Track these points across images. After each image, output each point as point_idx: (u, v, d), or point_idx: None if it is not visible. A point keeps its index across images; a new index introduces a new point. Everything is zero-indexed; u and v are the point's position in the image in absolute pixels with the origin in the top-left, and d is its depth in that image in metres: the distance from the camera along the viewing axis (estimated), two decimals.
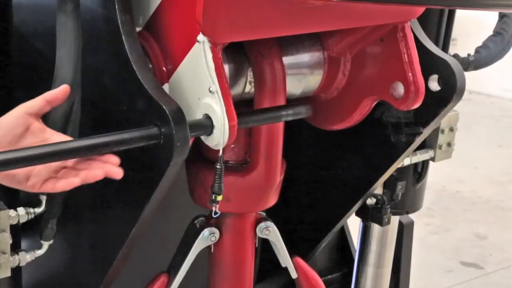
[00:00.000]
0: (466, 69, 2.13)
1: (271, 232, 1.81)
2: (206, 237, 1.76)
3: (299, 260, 1.91)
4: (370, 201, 2.16)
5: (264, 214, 1.83)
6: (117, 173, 1.37)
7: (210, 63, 1.42)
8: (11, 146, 1.36)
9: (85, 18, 1.50)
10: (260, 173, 1.68)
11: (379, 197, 2.16)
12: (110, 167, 1.36)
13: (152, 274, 1.81)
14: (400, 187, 2.21)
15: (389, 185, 2.20)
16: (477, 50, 2.24)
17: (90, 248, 1.79)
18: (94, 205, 1.68)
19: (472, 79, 2.43)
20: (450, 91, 1.71)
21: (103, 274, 1.67)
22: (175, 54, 1.49)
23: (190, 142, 1.40)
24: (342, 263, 2.59)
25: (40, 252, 1.72)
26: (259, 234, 1.81)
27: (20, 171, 1.36)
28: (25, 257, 1.71)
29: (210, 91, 1.42)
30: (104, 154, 1.38)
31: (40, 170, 1.37)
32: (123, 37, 1.45)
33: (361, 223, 2.35)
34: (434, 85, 1.72)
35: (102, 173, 1.35)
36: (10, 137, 1.36)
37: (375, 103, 1.75)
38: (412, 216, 2.47)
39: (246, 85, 1.64)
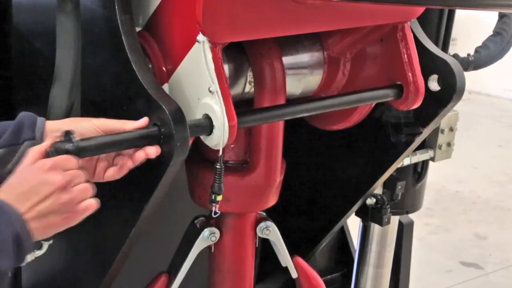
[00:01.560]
0: (466, 69, 2.13)
1: (271, 232, 1.81)
2: (206, 237, 1.76)
3: (299, 260, 1.91)
4: (370, 201, 2.16)
5: (264, 214, 1.83)
6: (153, 152, 1.40)
7: (210, 63, 1.42)
8: None
9: (85, 18, 1.50)
10: (260, 173, 1.68)
11: (379, 197, 2.16)
12: (148, 148, 1.40)
13: (152, 274, 1.81)
14: (400, 187, 2.21)
15: (389, 185, 2.20)
16: (477, 50, 2.25)
17: (90, 248, 1.79)
18: None
19: (472, 79, 2.43)
20: (450, 91, 1.71)
21: (103, 274, 1.67)
22: (175, 54, 1.49)
23: (190, 142, 1.40)
24: (342, 263, 2.59)
25: (40, 252, 1.72)
26: (259, 234, 1.81)
27: (91, 166, 1.41)
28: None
29: (210, 91, 1.42)
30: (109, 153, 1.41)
31: (99, 163, 1.42)
32: (123, 37, 1.45)
33: (361, 223, 2.35)
34: (434, 85, 1.72)
35: (144, 154, 1.40)
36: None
37: (375, 103, 1.75)
38: (412, 216, 2.47)
39: (246, 85, 1.64)
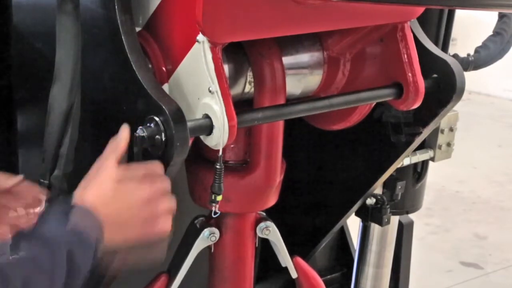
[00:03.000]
0: (465, 69, 2.13)
1: (271, 232, 1.81)
2: (206, 237, 1.76)
3: (299, 260, 1.91)
4: (370, 201, 2.16)
5: (264, 214, 1.83)
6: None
7: (210, 63, 1.42)
8: None
9: (85, 18, 1.50)
10: (260, 173, 1.68)
11: (379, 197, 2.16)
12: None
13: (152, 274, 1.81)
14: (399, 187, 2.21)
15: (389, 185, 2.20)
16: (477, 50, 2.25)
17: None
18: None
19: (472, 79, 2.43)
20: (450, 91, 1.71)
21: (103, 274, 1.66)
22: (175, 54, 1.49)
23: (190, 142, 1.40)
24: (342, 263, 2.59)
25: None
26: (259, 234, 1.81)
27: None
28: None
29: (210, 91, 1.42)
30: None
31: None
32: (123, 37, 1.45)
33: (361, 223, 2.35)
34: (434, 85, 1.72)
35: None
36: None
37: (375, 103, 1.75)
38: (412, 216, 2.47)
39: (246, 85, 1.64)
